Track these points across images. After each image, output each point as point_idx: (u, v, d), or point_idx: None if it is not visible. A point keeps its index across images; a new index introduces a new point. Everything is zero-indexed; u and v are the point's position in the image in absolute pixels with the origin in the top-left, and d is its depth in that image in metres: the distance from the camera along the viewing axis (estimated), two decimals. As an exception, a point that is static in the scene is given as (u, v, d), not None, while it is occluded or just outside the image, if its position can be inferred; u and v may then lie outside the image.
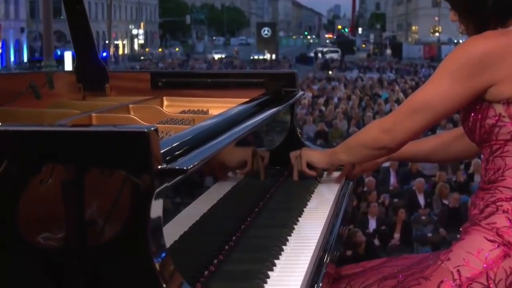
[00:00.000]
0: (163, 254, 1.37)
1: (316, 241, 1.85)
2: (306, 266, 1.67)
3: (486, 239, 1.80)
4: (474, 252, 1.80)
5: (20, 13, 48.85)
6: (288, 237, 1.86)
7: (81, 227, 1.37)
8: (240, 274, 1.60)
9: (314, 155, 2.34)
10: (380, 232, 8.50)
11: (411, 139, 2.03)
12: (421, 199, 9.39)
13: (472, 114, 1.87)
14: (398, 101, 18.95)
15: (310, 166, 2.34)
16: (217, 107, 2.61)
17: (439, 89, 1.88)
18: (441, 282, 1.79)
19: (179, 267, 1.39)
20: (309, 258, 1.71)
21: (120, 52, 57.78)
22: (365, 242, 7.62)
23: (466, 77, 1.81)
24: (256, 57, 51.86)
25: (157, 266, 1.33)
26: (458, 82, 1.83)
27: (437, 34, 61.77)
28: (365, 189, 9.32)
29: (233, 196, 1.96)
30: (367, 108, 17.66)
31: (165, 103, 2.83)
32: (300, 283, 1.58)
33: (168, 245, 1.42)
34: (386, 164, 10.54)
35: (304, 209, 2.15)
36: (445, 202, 9.14)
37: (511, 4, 1.85)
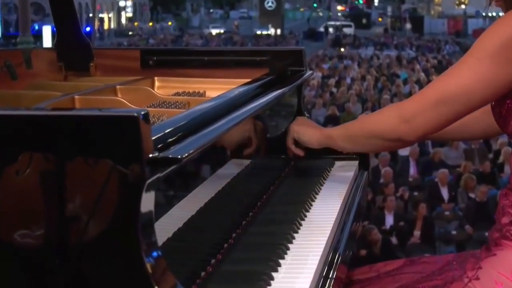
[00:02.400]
0: (155, 253, 1.38)
1: (326, 239, 1.85)
2: (315, 267, 1.68)
3: None
4: (507, 273, 1.75)
5: (-7, -17, 48.72)
6: (295, 234, 1.87)
7: (63, 224, 1.38)
8: (240, 275, 1.61)
9: (306, 132, 2.28)
10: (398, 229, 8.52)
11: (435, 132, 1.93)
12: (444, 192, 9.40)
13: (508, 102, 1.79)
14: (419, 82, 18.97)
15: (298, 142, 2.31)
16: (215, 89, 2.62)
17: (477, 74, 1.76)
18: None
19: (173, 268, 1.40)
20: (318, 258, 1.72)
21: (106, 26, 57.65)
22: (381, 241, 7.64)
23: (511, 59, 1.71)
24: (258, 32, 51.75)
25: (148, 266, 1.34)
26: (500, 65, 1.73)
27: (463, 6, 61.55)
28: (381, 180, 9.33)
29: (233, 189, 1.96)
30: (384, 89, 17.66)
31: (157, 84, 2.83)
32: (307, 286, 1.59)
33: (160, 243, 1.43)
34: (405, 153, 10.55)
35: (313, 203, 2.16)
36: (472, 195, 9.15)
37: None
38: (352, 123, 2.17)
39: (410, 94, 16.94)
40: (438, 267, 1.96)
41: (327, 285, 1.68)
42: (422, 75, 20.14)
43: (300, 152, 2.32)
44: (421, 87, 18.29)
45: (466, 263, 1.88)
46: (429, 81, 19.30)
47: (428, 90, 1.90)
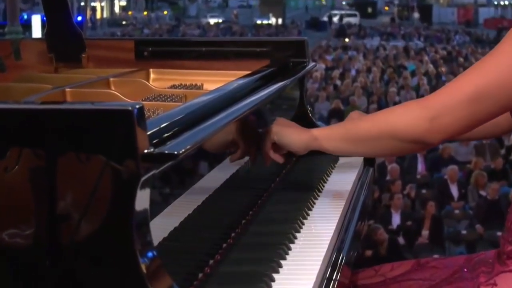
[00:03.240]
0: (150, 254, 1.38)
1: (329, 239, 1.86)
2: (318, 268, 1.68)
3: None
4: None
5: (-21, -31, 48.70)
6: (297, 234, 1.87)
7: (54, 223, 1.38)
8: (240, 277, 1.62)
9: (289, 134, 2.01)
10: (405, 228, 8.53)
11: (461, 134, 1.80)
12: (454, 190, 9.41)
13: None
14: (427, 74, 18.99)
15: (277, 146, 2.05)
16: (213, 81, 2.62)
17: None
18: None
19: (169, 269, 1.40)
20: (321, 259, 1.72)
21: (98, 15, 57.63)
22: (387, 241, 7.65)
23: None
24: (259, 21, 51.73)
25: (143, 267, 1.34)
26: None
27: (473, -6, 61.48)
28: (388, 177, 9.34)
29: (232, 186, 1.97)
30: (391, 82, 17.67)
31: (152, 76, 2.83)
32: (310, 287, 1.59)
33: (156, 243, 1.43)
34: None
35: (315, 201, 2.16)
36: (482, 193, 9.16)
37: None
38: (355, 122, 1.99)
39: (418, 86, 16.95)
40: (448, 274, 1.93)
41: (331, 285, 1.69)
42: (431, 66, 20.15)
43: (279, 159, 2.05)
44: (429, 79, 18.36)
45: (479, 273, 1.86)
46: (438, 73, 19.36)
47: (459, 84, 1.72)
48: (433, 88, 16.76)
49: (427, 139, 1.75)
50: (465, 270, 1.92)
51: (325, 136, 1.98)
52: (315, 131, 2.01)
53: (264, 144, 2.04)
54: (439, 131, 1.73)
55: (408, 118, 1.76)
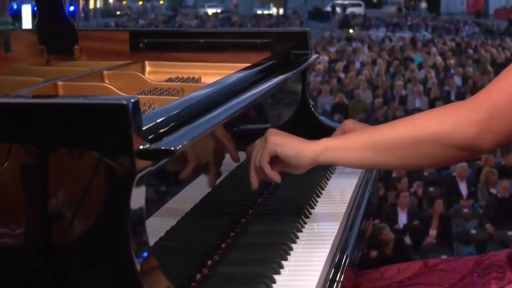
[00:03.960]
0: (146, 254, 1.39)
1: (333, 239, 1.86)
2: (320, 269, 1.68)
3: None
4: None
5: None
6: (299, 233, 1.88)
7: (46, 222, 1.38)
8: (239, 278, 1.62)
9: (292, 145, 1.78)
10: (412, 228, 8.53)
11: None
12: (463, 188, 9.41)
13: None
14: (435, 67, 18.98)
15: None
16: (212, 74, 2.62)
17: None
18: None
19: (166, 270, 1.41)
20: (324, 260, 1.73)
21: (91, 5, 57.58)
22: (393, 241, 7.65)
23: None
24: (259, 12, 51.70)
25: (138, 268, 1.35)
26: None
27: (484, -17, 61.44)
28: (393, 175, 9.34)
29: (231, 184, 1.97)
30: (397, 75, 17.67)
31: (148, 69, 2.83)
32: (313, 289, 1.59)
33: (152, 242, 1.44)
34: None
35: (318, 199, 2.16)
36: (493, 191, 9.16)
37: None
38: (381, 127, 1.78)
39: (425, 79, 16.94)
40: (458, 279, 1.91)
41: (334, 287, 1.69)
42: (439, 59, 20.14)
43: (277, 177, 1.84)
44: (437, 72, 18.36)
45: (489, 279, 1.84)
46: (446, 65, 19.35)
47: (509, 80, 1.60)
48: (441, 81, 16.78)
49: (477, 144, 1.62)
50: (475, 274, 1.90)
51: (340, 145, 1.77)
52: (325, 141, 1.79)
53: (261, 158, 1.82)
54: (491, 135, 1.60)
55: (454, 120, 1.62)
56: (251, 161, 1.86)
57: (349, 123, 2.01)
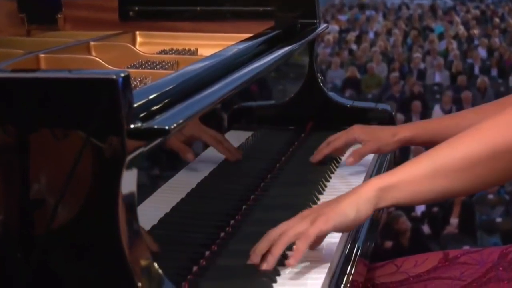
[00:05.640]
0: (137, 243, 1.39)
1: (343, 227, 1.86)
2: (330, 260, 1.69)
3: None
4: None
5: None
6: (306, 222, 1.88)
7: (26, 209, 1.39)
8: (240, 271, 1.62)
9: (339, 213, 1.64)
10: (431, 216, 8.54)
11: None
12: (487, 172, 9.39)
13: None
14: (457, 37, 18.90)
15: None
16: (209, 46, 2.62)
17: None
18: None
19: (159, 261, 1.41)
20: (333, 250, 1.74)
21: (76, -31, 57.39)
22: (410, 230, 7.66)
23: None
24: (262, -24, 51.52)
25: (129, 258, 1.35)
26: None
27: None
28: (411, 157, 9.33)
29: (230, 167, 1.97)
30: (414, 46, 17.61)
31: (139, 39, 2.83)
32: (320, 283, 1.60)
33: (144, 231, 1.44)
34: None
35: (327, 184, 2.17)
36: (520, 176, 9.15)
37: None
38: (441, 147, 1.66)
39: (446, 52, 16.90)
40: (481, 273, 1.90)
41: (344, 282, 1.69)
42: (461, 28, 20.07)
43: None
44: (459, 43, 18.31)
45: None
46: (469, 36, 19.29)
47: None
48: (464, 54, 16.72)
49: None
50: (501, 268, 1.90)
51: (399, 181, 1.64)
52: (374, 183, 1.65)
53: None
54: None
55: None
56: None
57: (357, 129, 2.27)
